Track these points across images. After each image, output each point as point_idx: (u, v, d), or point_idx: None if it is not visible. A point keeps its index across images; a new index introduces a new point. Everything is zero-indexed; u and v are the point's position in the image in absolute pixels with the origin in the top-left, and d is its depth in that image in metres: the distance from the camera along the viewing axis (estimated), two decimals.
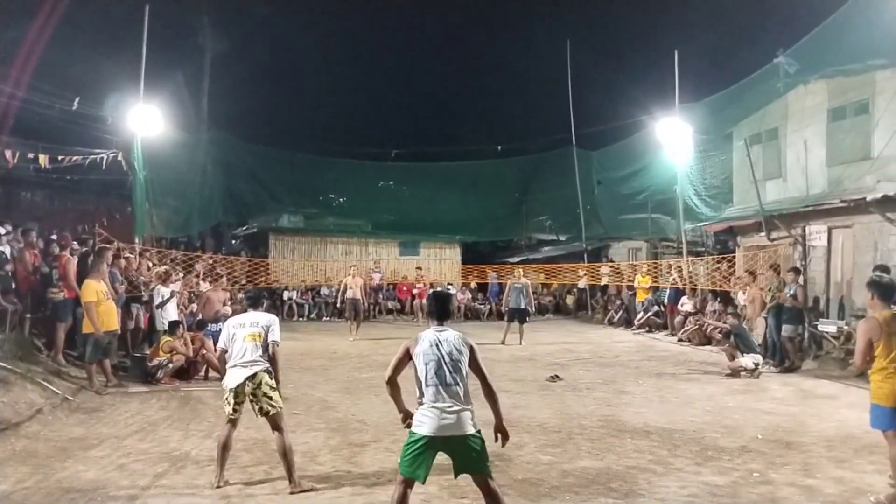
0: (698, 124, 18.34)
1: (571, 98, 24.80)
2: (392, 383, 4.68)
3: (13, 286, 11.12)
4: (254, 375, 5.77)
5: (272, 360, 5.93)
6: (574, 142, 25.00)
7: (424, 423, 4.41)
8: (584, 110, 25.52)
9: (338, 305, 18.76)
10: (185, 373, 11.02)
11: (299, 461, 6.11)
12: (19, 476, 6.00)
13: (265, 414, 5.79)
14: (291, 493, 5.63)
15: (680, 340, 16.62)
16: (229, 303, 13.78)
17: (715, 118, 18.22)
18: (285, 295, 22.85)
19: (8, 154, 12.32)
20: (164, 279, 12.49)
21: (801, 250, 14.99)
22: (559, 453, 6.86)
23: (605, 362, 13.41)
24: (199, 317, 12.62)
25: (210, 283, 15.09)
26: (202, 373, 11.26)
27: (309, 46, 33.27)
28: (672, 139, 18.69)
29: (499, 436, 4.66)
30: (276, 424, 5.79)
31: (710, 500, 5.49)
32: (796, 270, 13.16)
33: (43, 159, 13.11)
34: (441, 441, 4.41)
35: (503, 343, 15.63)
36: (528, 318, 16.54)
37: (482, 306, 23.92)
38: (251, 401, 5.79)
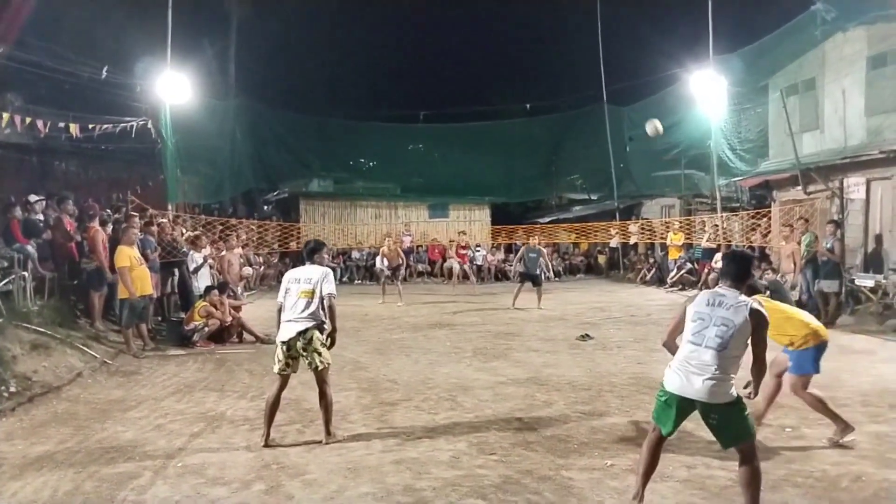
0: (733, 76, 17.82)
1: (602, 53, 24.31)
2: (668, 346, 4.58)
3: (51, 253, 11.35)
4: (305, 331, 5.87)
5: (329, 311, 5.97)
6: (605, 98, 24.57)
7: (672, 379, 4.24)
8: (615, 65, 24.90)
9: (378, 266, 18.67)
10: (220, 336, 11.21)
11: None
12: (61, 437, 6.19)
13: (313, 369, 5.93)
14: (326, 443, 5.85)
15: None
16: (254, 266, 13.85)
17: (750, 69, 17.67)
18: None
19: (39, 124, 12.42)
20: (194, 244, 12.66)
21: (838, 203, 14.63)
22: (589, 410, 6.86)
23: (636, 321, 13.31)
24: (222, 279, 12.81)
25: (224, 243, 15.14)
26: (235, 336, 11.46)
27: (336, 10, 32.84)
28: (706, 92, 18.24)
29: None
30: (321, 379, 5.96)
31: None
32: (835, 223, 12.86)
33: (74, 128, 13.19)
34: (688, 402, 4.18)
35: (514, 306, 15.05)
36: (541, 281, 15.73)
37: (511, 267, 23.89)
38: (303, 356, 5.90)
